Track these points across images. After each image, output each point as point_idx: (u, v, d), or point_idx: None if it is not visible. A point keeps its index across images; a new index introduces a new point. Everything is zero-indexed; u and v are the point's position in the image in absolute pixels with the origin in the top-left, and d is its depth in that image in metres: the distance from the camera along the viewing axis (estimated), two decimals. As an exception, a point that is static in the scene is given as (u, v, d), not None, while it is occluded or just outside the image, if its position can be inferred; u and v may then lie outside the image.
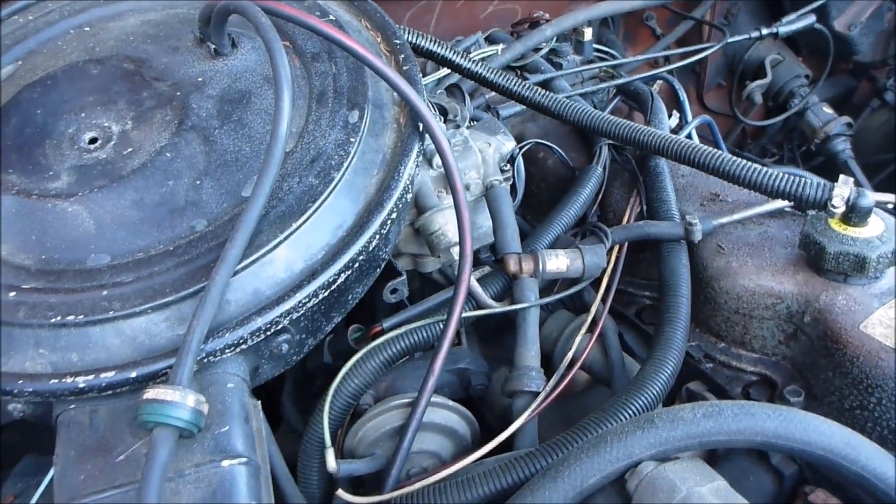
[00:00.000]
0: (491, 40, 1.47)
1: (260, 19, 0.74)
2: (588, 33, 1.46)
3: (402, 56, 0.86)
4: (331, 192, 0.74)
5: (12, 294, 0.70)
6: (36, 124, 0.81)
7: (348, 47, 0.75)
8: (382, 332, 0.90)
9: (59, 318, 0.68)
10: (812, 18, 1.52)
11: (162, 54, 0.86)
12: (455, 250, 0.90)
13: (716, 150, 0.95)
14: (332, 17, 0.89)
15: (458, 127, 0.98)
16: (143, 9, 0.94)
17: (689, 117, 1.34)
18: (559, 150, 1.17)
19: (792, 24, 1.50)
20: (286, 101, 0.71)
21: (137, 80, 0.84)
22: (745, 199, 1.03)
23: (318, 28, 0.76)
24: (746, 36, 1.50)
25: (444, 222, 0.91)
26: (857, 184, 0.87)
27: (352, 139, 0.78)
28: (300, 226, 0.72)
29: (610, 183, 1.11)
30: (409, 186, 0.78)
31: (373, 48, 0.88)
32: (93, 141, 0.80)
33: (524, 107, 1.24)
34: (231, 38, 0.85)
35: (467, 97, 1.12)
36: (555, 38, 1.44)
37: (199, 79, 0.83)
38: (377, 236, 0.74)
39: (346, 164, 0.76)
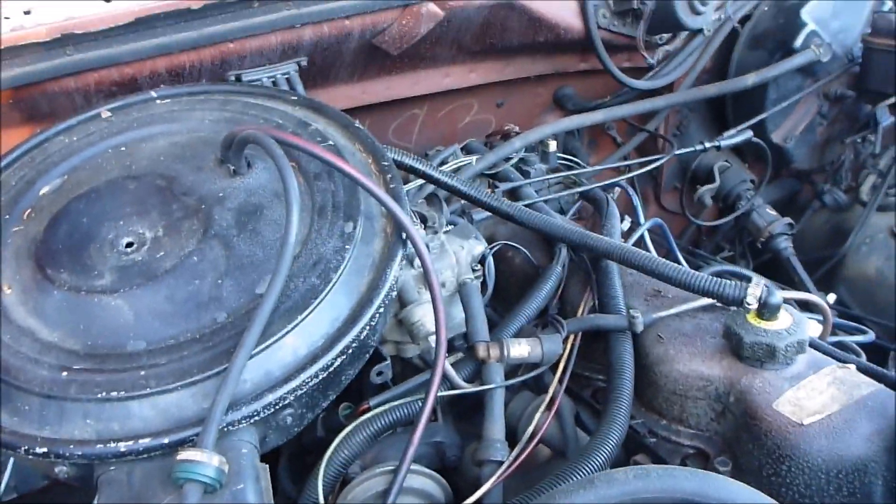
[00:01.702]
0: (467, 150, 1.66)
1: (273, 149, 0.91)
2: (553, 145, 1.66)
3: (390, 176, 1.04)
4: (329, 291, 0.90)
5: (64, 373, 0.84)
6: (82, 231, 0.97)
7: (345, 171, 0.93)
8: (369, 410, 1.05)
9: (104, 393, 0.82)
10: (749, 133, 1.73)
11: (188, 173, 1.03)
12: (433, 339, 1.06)
13: (651, 255, 1.12)
14: (331, 143, 1.07)
15: (435, 232, 1.15)
16: (171, 132, 1.12)
17: (642, 220, 1.52)
18: (525, 250, 1.34)
19: (732, 137, 1.71)
20: (295, 216, 0.87)
21: (168, 194, 1.01)
22: (683, 295, 1.20)
23: (320, 156, 0.93)
24: (692, 149, 1.70)
25: (422, 314, 1.07)
26: (800, 282, 1.04)
27: (347, 246, 0.94)
28: (304, 318, 0.88)
29: (568, 280, 1.27)
30: (394, 286, 0.94)
31: (364, 169, 1.06)
32: (129, 245, 0.96)
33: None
34: (247, 160, 1.02)
35: (444, 204, 1.30)
36: (523, 149, 1.63)
37: (221, 194, 1.00)
38: (367, 327, 0.90)
39: (342, 267, 0.92)
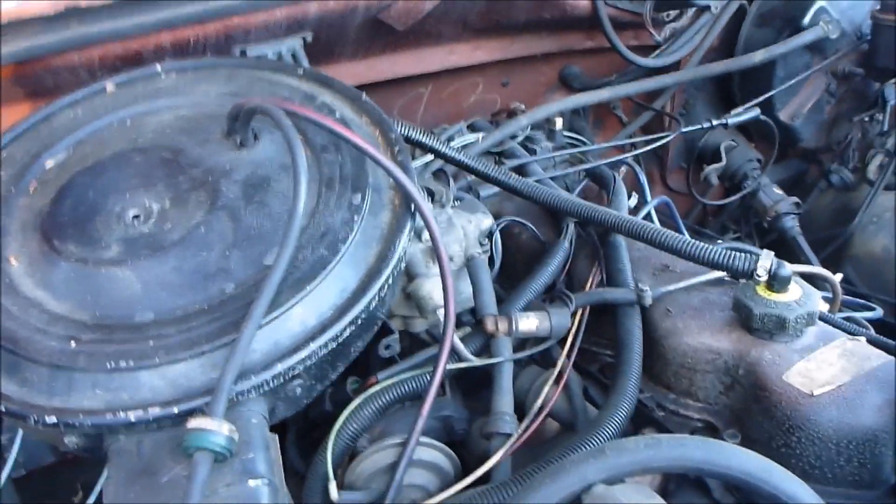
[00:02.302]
0: (473, 128, 1.65)
1: (282, 119, 0.90)
2: (559, 123, 1.65)
3: (397, 148, 1.03)
4: (338, 262, 0.90)
5: (73, 344, 0.84)
6: (88, 203, 0.97)
7: (353, 142, 0.92)
8: (377, 384, 1.04)
9: (112, 363, 0.82)
10: (757, 111, 1.72)
11: (194, 145, 1.02)
12: (441, 312, 1.05)
13: (661, 228, 1.12)
14: (338, 115, 1.06)
15: (443, 206, 1.15)
16: (176, 106, 1.11)
17: (649, 198, 1.52)
18: (532, 226, 1.34)
19: (739, 116, 1.70)
20: (303, 186, 0.87)
21: (174, 166, 1.00)
22: (691, 269, 1.19)
23: (328, 126, 0.92)
24: (699, 126, 1.69)
25: (431, 288, 1.06)
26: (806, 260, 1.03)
27: (355, 217, 0.94)
28: (313, 289, 0.87)
29: (575, 255, 1.27)
30: (403, 257, 0.93)
31: (372, 141, 1.05)
32: (136, 217, 0.96)
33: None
34: (253, 132, 1.02)
35: (451, 180, 1.29)
36: (529, 127, 1.62)
37: (227, 166, 0.99)
38: (376, 298, 0.89)
39: (350, 239, 0.92)
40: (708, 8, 1.80)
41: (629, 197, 1.45)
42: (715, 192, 2.07)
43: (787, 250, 1.96)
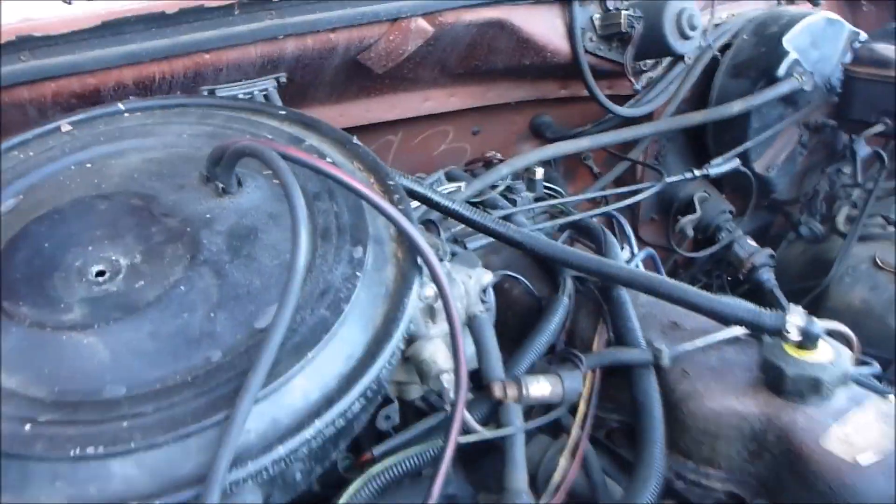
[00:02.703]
0: (449, 177, 1.57)
1: (277, 162, 0.79)
2: (540, 172, 1.58)
3: (396, 196, 0.93)
4: (342, 323, 0.79)
5: (28, 427, 0.70)
6: (44, 257, 0.84)
7: (356, 189, 0.82)
8: (372, 460, 0.92)
9: (77, 450, 0.68)
10: (737, 162, 1.69)
11: (169, 191, 0.91)
12: (445, 378, 0.94)
13: (678, 282, 1.04)
14: (330, 160, 0.96)
15: (440, 260, 1.04)
16: (145, 147, 0.99)
17: (636, 250, 1.45)
18: (525, 281, 1.25)
19: (720, 166, 1.66)
20: (304, 237, 0.76)
21: (146, 215, 0.88)
22: (702, 326, 1.12)
23: (328, 172, 0.82)
24: (682, 176, 1.64)
25: (433, 351, 0.96)
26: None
27: (357, 273, 0.83)
28: (315, 356, 0.76)
29: (575, 312, 1.18)
30: (411, 317, 0.83)
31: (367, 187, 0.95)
32: (100, 274, 0.83)
33: (489, 239, 1.32)
34: (237, 177, 0.90)
35: (445, 234, 1.20)
36: (510, 176, 1.55)
37: (208, 215, 0.87)
38: (386, 365, 0.78)
39: (353, 297, 0.81)
40: (682, 57, 1.77)
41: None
42: (687, 244, 2.03)
43: (761, 303, 1.92)
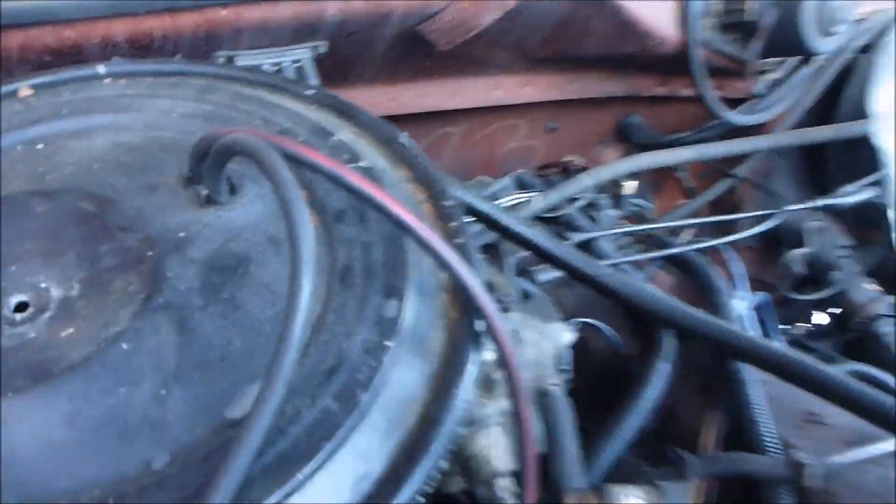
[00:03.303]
0: (520, 184, 1.29)
1: (275, 166, 0.52)
2: (631, 187, 1.29)
3: (454, 224, 0.65)
4: (355, 425, 0.51)
5: None
6: (-57, 277, 0.58)
7: (401, 220, 0.54)
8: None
9: None
10: (874, 191, 1.37)
11: (135, 193, 0.64)
12: (500, 485, 0.67)
13: (826, 366, 0.75)
14: (364, 164, 0.68)
15: (506, 310, 0.76)
16: (118, 126, 0.73)
17: (748, 296, 1.15)
18: (609, 333, 0.96)
19: (853, 195, 1.35)
20: (306, 280, 0.48)
21: (97, 227, 0.62)
22: (848, 422, 0.82)
23: (353, 185, 0.55)
24: (803, 205, 1.34)
25: (486, 444, 0.68)
26: None
27: (386, 343, 0.55)
28: (309, 478, 0.49)
29: (677, 385, 0.89)
30: (463, 419, 0.55)
31: (414, 208, 0.67)
32: (21, 308, 0.57)
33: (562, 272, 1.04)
34: (230, 181, 0.64)
35: (508, 261, 0.92)
36: (593, 189, 1.26)
37: (182, 233, 0.61)
38: (416, 497, 0.51)
39: (377, 380, 0.53)
40: (811, 58, 1.46)
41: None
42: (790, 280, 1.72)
43: (868, 353, 1.61)
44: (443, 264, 0.56)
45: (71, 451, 0.49)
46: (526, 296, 0.89)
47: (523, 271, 1.04)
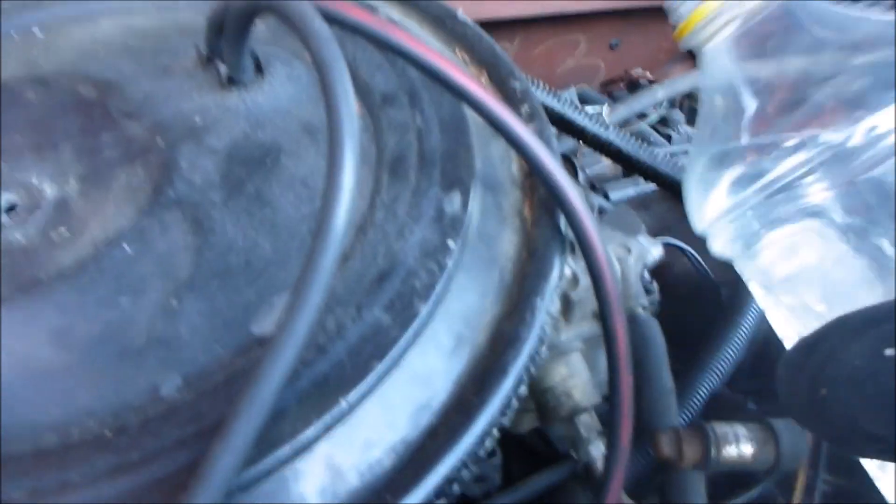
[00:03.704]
0: (582, 99, 1.17)
1: (309, 23, 0.41)
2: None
3: (526, 108, 0.53)
4: (412, 341, 0.41)
5: None
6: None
7: (463, 88, 0.43)
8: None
9: None
10: None
11: (144, 77, 0.54)
12: (584, 422, 0.56)
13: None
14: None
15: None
16: (128, 10, 0.62)
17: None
18: (695, 254, 0.84)
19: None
20: (348, 168, 0.37)
21: (98, 114, 0.51)
22: None
23: (408, 49, 0.43)
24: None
25: (566, 374, 0.57)
26: None
27: (450, 243, 0.44)
28: (357, 403, 0.38)
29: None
30: (545, 336, 0.44)
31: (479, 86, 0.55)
32: (11, 210, 0.47)
33: (637, 188, 0.92)
34: (256, 59, 0.53)
35: (582, 175, 0.80)
36: (666, 104, 1.13)
37: (198, 119, 0.50)
38: (491, 430, 0.40)
39: (439, 289, 0.43)
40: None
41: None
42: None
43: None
44: (519, 147, 0.45)
45: (61, 373, 0.40)
46: (600, 212, 0.77)
47: (594, 187, 0.92)
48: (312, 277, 0.36)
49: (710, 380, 0.68)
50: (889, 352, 0.32)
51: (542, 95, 0.71)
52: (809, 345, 0.39)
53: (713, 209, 0.51)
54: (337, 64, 0.39)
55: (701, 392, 0.67)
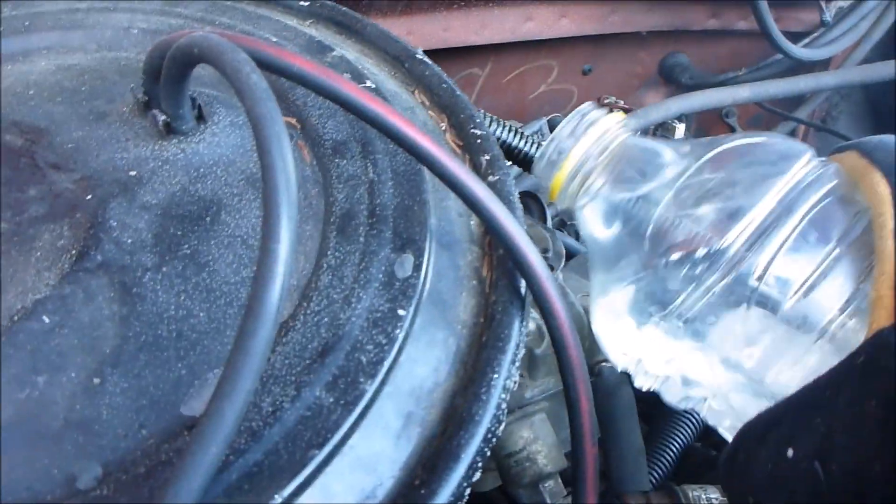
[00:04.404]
0: (552, 127, 1.14)
1: (244, 72, 0.37)
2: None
3: (487, 157, 0.51)
4: (357, 424, 0.37)
5: None
6: None
7: (416, 144, 0.40)
8: None
9: None
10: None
11: (76, 123, 0.50)
12: (549, 489, 0.53)
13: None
14: (370, 84, 0.54)
15: (552, 269, 0.62)
16: (65, 47, 0.58)
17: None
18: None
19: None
20: (284, 228, 0.34)
21: (24, 165, 0.48)
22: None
23: (349, 96, 0.40)
24: None
25: (530, 438, 0.54)
26: None
27: (400, 311, 0.41)
28: (293, 497, 0.35)
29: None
30: (502, 413, 0.41)
31: (436, 137, 0.53)
32: (-78, 271, 0.43)
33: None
34: (197, 105, 0.49)
35: (550, 211, 0.77)
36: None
37: (133, 172, 0.47)
38: (444, 517, 0.37)
39: (387, 364, 0.39)
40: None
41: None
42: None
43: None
44: (474, 206, 0.42)
45: (-33, 463, 0.36)
46: (569, 255, 0.74)
47: (563, 224, 0.89)
48: (242, 360, 0.32)
49: (682, 435, 0.66)
50: (790, 452, 0.30)
51: (506, 133, 0.68)
52: (730, 454, 0.37)
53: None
54: (273, 122, 0.36)
55: (672, 448, 0.64)
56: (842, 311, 0.37)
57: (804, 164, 0.42)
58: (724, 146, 0.46)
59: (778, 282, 0.39)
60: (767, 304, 0.39)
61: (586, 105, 0.55)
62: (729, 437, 0.37)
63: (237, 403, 0.32)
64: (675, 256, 0.43)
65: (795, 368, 0.37)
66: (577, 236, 0.86)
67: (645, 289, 0.44)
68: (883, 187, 0.31)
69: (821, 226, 0.39)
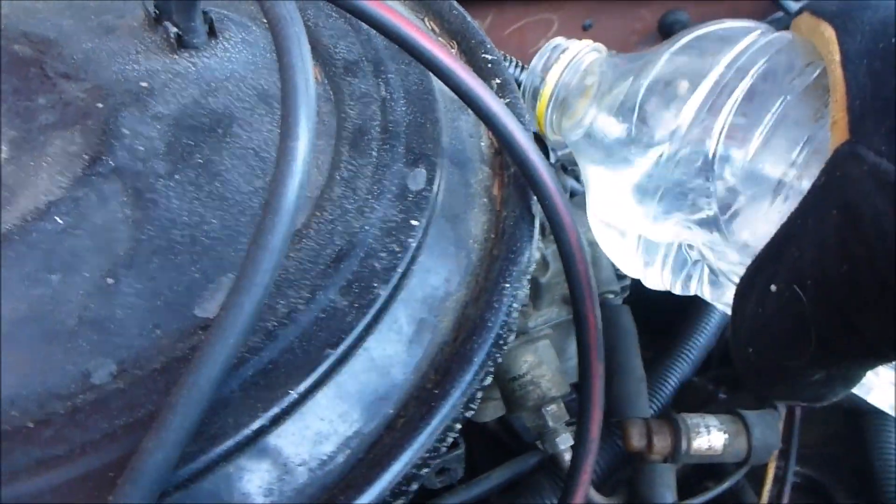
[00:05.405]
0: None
1: None
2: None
3: (498, 81, 0.51)
4: (370, 327, 0.38)
5: None
6: None
7: (433, 56, 0.40)
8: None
9: None
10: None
11: (85, 36, 0.50)
12: (551, 413, 0.54)
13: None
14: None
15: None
16: (73, -35, 0.58)
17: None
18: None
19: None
20: (303, 139, 0.34)
21: (34, 74, 0.47)
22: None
23: (373, 12, 0.40)
24: None
25: (535, 362, 0.55)
26: None
27: (413, 221, 0.41)
28: (308, 394, 0.35)
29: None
30: (514, 322, 0.41)
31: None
32: (-68, 176, 0.43)
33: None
34: (209, 20, 0.49)
35: (553, 156, 0.77)
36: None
37: (144, 83, 0.46)
38: (453, 424, 0.37)
39: (400, 270, 0.40)
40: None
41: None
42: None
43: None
44: (489, 121, 0.42)
45: (-17, 357, 0.36)
46: (572, 195, 0.75)
47: (565, 169, 0.89)
48: (260, 255, 0.33)
49: (681, 368, 0.66)
50: (773, 287, 0.31)
51: (513, 70, 0.68)
52: (731, 318, 0.37)
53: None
54: (292, 22, 0.35)
55: (671, 380, 0.65)
56: (800, 152, 0.38)
57: (757, 34, 0.43)
58: (686, 37, 0.47)
59: (735, 139, 0.40)
60: (729, 161, 0.40)
61: (559, 38, 0.56)
62: (728, 312, 0.37)
63: (255, 296, 0.33)
64: (652, 142, 0.44)
65: (770, 224, 0.37)
66: (577, 178, 0.86)
67: (638, 182, 0.44)
68: (829, 31, 0.32)
69: (771, 78, 0.39)
